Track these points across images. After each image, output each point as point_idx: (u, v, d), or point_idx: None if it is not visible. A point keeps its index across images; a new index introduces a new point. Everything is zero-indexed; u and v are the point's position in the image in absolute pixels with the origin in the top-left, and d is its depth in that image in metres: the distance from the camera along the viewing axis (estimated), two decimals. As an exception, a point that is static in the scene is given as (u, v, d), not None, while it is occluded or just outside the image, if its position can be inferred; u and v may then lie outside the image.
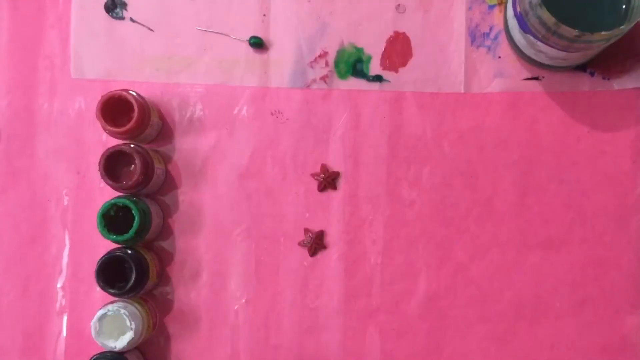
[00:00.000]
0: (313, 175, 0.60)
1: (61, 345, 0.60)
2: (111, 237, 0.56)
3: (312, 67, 0.61)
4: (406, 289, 0.59)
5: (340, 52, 0.61)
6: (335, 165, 0.60)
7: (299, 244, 0.60)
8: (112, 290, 0.56)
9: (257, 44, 0.61)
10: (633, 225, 0.59)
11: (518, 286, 0.59)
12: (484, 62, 0.60)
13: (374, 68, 0.61)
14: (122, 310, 0.56)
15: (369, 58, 0.61)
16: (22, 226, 0.61)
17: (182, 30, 0.62)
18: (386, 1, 0.61)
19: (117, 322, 0.56)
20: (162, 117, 0.61)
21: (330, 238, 0.60)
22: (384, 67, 0.61)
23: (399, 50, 0.61)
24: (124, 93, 0.56)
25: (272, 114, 0.61)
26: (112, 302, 0.57)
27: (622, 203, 0.59)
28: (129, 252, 0.57)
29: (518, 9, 0.54)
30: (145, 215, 0.57)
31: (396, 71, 0.61)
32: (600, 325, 0.58)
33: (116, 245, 0.58)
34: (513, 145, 0.59)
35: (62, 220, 0.61)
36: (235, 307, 0.60)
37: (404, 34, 0.61)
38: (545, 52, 0.55)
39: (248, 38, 0.61)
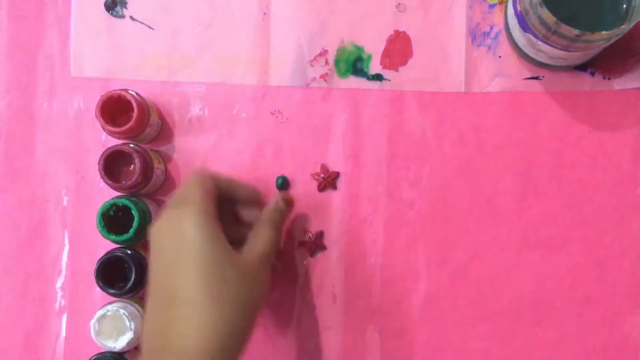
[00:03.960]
0: (313, 175, 0.60)
1: (60, 346, 0.60)
2: (111, 237, 0.56)
3: (312, 65, 0.61)
4: (406, 289, 0.59)
5: (341, 51, 0.61)
6: (335, 165, 0.60)
7: (299, 244, 0.60)
8: (111, 291, 0.56)
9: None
10: (634, 225, 0.59)
11: (518, 286, 0.59)
12: (484, 62, 0.60)
13: (374, 67, 0.61)
14: (122, 311, 0.56)
15: (369, 57, 0.61)
16: (22, 226, 0.61)
17: (183, 29, 0.62)
18: (386, 0, 0.61)
19: (116, 323, 0.56)
20: (161, 117, 0.61)
21: (330, 238, 0.60)
22: (384, 65, 0.61)
23: (399, 49, 0.61)
24: (124, 93, 0.56)
25: (272, 113, 0.61)
26: (111, 302, 0.57)
27: (623, 203, 0.59)
28: (129, 252, 0.57)
29: (518, 8, 0.54)
30: (145, 215, 0.57)
31: (396, 70, 0.61)
32: (601, 326, 0.58)
33: (116, 245, 0.58)
34: (513, 145, 0.59)
35: (61, 220, 0.61)
36: (235, 307, 0.60)
37: (404, 32, 0.61)
38: (545, 52, 0.55)
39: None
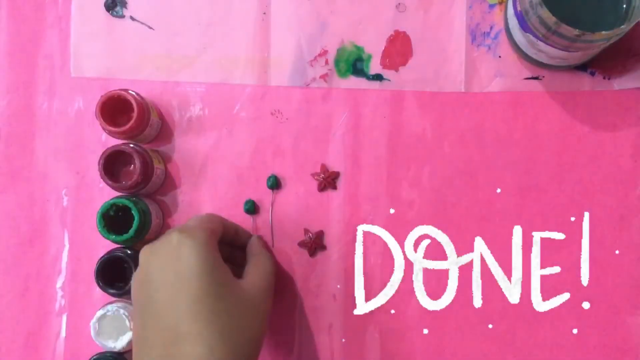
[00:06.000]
0: (313, 175, 0.60)
1: (60, 346, 0.60)
2: (111, 237, 0.56)
3: (312, 65, 0.61)
4: (406, 289, 0.59)
5: (341, 51, 0.61)
6: (335, 165, 0.60)
7: (299, 244, 0.60)
8: (111, 291, 0.57)
9: None
10: (634, 225, 0.59)
11: (518, 286, 0.59)
12: (484, 62, 0.60)
13: (374, 67, 0.61)
14: (122, 311, 0.56)
15: (369, 57, 0.61)
16: (22, 226, 0.61)
17: (182, 28, 0.62)
18: (386, 0, 0.61)
19: (116, 323, 0.56)
20: (161, 117, 0.61)
21: (330, 238, 0.60)
22: (384, 66, 0.61)
23: (399, 49, 0.61)
24: (124, 93, 0.56)
25: (272, 113, 0.61)
26: (111, 303, 0.57)
27: (623, 203, 0.59)
28: (129, 252, 0.57)
29: (518, 8, 0.54)
30: (145, 215, 0.57)
31: (396, 70, 0.61)
32: (601, 326, 0.58)
33: (116, 245, 0.58)
34: (513, 145, 0.59)
35: (61, 220, 0.61)
36: (235, 307, 0.60)
37: (404, 33, 0.61)
38: (545, 52, 0.55)
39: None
